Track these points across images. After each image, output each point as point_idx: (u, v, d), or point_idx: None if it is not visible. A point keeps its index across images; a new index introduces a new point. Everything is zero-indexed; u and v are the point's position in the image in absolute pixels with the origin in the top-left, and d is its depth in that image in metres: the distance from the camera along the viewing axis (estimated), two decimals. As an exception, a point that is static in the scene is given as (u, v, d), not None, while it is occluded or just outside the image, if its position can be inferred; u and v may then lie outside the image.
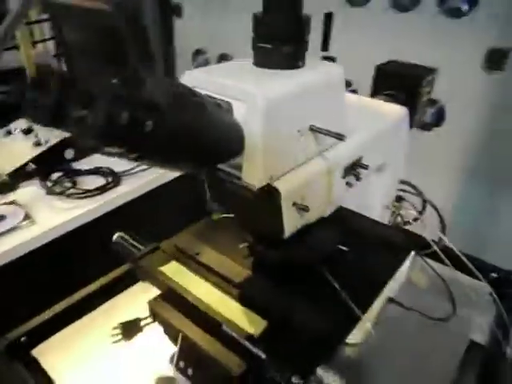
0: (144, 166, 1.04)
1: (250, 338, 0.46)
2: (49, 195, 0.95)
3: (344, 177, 0.53)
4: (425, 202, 0.78)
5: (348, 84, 1.34)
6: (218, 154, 0.38)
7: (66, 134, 1.07)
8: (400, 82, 0.75)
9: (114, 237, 0.62)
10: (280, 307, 0.49)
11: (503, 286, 0.82)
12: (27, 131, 1.10)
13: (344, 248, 0.56)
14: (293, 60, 0.42)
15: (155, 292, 0.57)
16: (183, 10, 1.64)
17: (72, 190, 0.95)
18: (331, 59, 1.33)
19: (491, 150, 1.10)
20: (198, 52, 1.69)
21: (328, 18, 1.14)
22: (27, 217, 0.87)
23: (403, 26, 1.12)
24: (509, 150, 1.07)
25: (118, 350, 0.63)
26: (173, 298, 0.54)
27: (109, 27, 0.91)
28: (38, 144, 1.06)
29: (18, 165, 0.99)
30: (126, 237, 0.62)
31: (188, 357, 0.55)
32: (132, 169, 1.03)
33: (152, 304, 0.56)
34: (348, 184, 0.56)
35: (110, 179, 1.00)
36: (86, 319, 0.72)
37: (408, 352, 0.61)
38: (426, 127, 1.21)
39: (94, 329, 0.70)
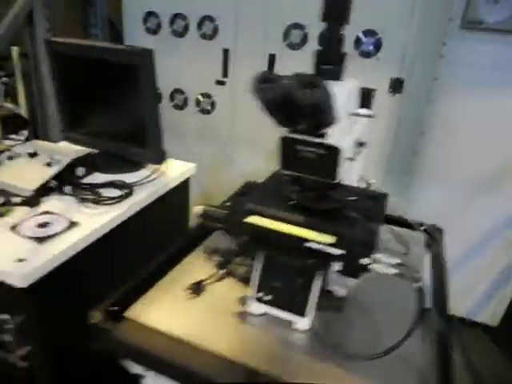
0: (150, 178, 1.23)
1: (328, 244, 0.73)
2: (77, 203, 1.09)
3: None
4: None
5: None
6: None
7: (78, 155, 1.21)
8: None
9: (196, 210, 0.83)
10: (332, 228, 0.76)
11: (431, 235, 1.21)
12: (33, 154, 1.21)
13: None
14: (342, 74, 0.73)
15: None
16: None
17: (99, 198, 1.10)
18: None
19: (396, 148, 1.56)
20: (149, 14, 1.77)
21: (271, 57, 1.56)
22: (72, 222, 1.00)
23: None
24: (403, 146, 1.53)
25: (191, 304, 0.84)
26: (261, 237, 0.78)
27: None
28: (48, 164, 1.17)
29: (41, 182, 1.10)
30: (207, 207, 0.84)
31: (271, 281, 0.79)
32: (140, 180, 1.22)
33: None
34: (350, 159, 0.88)
35: (125, 189, 1.16)
36: (160, 284, 0.89)
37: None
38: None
39: (168, 292, 0.88)
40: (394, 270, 0.72)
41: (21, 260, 0.86)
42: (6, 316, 0.94)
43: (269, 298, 0.82)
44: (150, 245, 1.29)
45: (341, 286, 0.87)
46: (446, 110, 1.47)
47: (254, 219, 0.80)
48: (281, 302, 0.81)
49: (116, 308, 0.82)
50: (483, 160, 1.52)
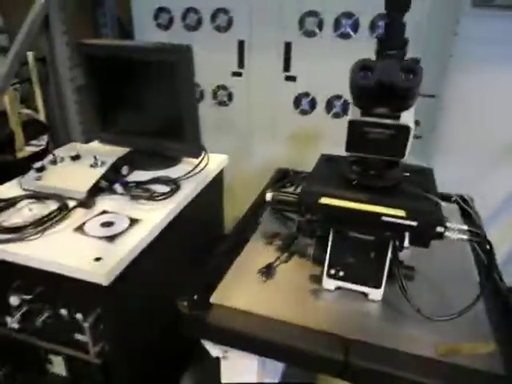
0: (195, 171, 1.26)
1: (401, 217, 0.78)
2: (130, 201, 1.11)
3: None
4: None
5: (307, 94, 1.75)
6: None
7: (121, 155, 1.23)
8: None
9: (269, 196, 0.88)
10: (400, 203, 0.81)
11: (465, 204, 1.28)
12: (75, 157, 1.22)
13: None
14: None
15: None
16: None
17: (153, 194, 1.13)
18: (293, 78, 1.73)
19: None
20: (160, 10, 1.78)
21: (288, 46, 1.60)
22: (132, 219, 1.03)
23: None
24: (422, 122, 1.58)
25: (267, 286, 0.88)
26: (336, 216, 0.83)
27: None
28: (92, 165, 1.19)
29: (92, 183, 1.12)
30: (276, 193, 0.88)
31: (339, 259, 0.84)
32: (185, 175, 1.25)
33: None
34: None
35: (172, 184, 1.19)
36: (232, 271, 0.94)
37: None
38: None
39: (242, 278, 0.92)
40: (465, 236, 0.78)
41: (97, 259, 0.89)
42: (79, 315, 0.97)
43: (342, 273, 0.87)
44: (195, 234, 1.34)
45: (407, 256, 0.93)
46: (461, 85, 1.54)
47: (327, 200, 0.85)
48: (354, 276, 0.87)
49: (201, 296, 0.86)
50: (498, 134, 1.60)
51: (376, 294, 0.86)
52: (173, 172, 1.28)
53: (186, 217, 1.18)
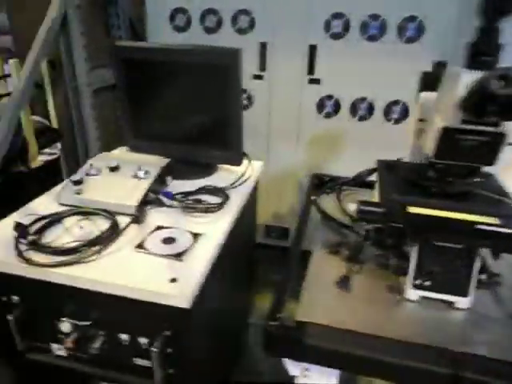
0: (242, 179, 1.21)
1: (496, 225, 0.77)
2: (182, 214, 1.05)
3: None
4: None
5: (330, 97, 1.73)
6: None
7: (163, 165, 1.16)
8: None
9: (351, 207, 0.84)
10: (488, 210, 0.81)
11: None
12: (115, 168, 1.14)
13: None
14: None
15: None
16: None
17: (207, 206, 1.07)
18: (317, 80, 1.70)
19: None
20: (176, 11, 1.70)
21: (312, 48, 1.58)
22: (193, 233, 0.97)
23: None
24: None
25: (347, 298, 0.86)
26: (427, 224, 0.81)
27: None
28: (135, 177, 1.12)
29: (141, 195, 1.05)
30: (360, 204, 0.85)
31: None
32: (233, 183, 1.20)
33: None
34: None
35: (220, 194, 1.14)
36: (306, 285, 0.90)
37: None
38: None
39: (320, 291, 0.89)
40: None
41: (173, 280, 0.83)
42: (143, 339, 0.91)
43: (428, 283, 0.85)
44: (241, 246, 1.29)
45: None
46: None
47: (416, 209, 0.83)
48: (441, 285, 0.85)
49: (285, 314, 0.82)
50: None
51: (464, 302, 0.84)
52: (213, 181, 1.22)
53: (237, 228, 1.13)
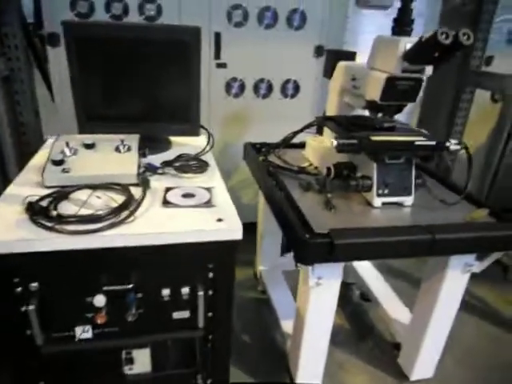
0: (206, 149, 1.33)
1: (425, 141, 1.16)
2: (175, 177, 1.14)
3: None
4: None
5: (235, 79, 1.95)
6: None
7: (137, 139, 1.20)
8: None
9: (335, 143, 1.11)
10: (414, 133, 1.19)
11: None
12: (91, 145, 1.13)
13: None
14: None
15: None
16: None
17: (198, 166, 1.19)
18: (223, 64, 1.90)
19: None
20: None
21: (218, 36, 1.89)
22: (206, 188, 1.08)
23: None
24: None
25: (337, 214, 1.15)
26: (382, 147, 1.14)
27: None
28: (117, 151, 1.14)
29: (135, 165, 1.09)
30: (339, 139, 1.13)
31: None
32: (200, 153, 1.31)
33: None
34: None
35: (200, 161, 1.25)
36: (304, 208, 1.14)
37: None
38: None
39: (315, 213, 1.13)
40: (459, 147, 1.21)
41: (219, 220, 0.94)
42: (186, 288, 0.98)
43: (386, 191, 1.19)
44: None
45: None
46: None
47: (376, 138, 1.15)
48: (393, 191, 1.20)
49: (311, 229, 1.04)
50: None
51: (409, 200, 1.21)
52: (173, 154, 1.30)
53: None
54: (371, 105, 1.23)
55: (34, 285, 0.89)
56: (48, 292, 0.91)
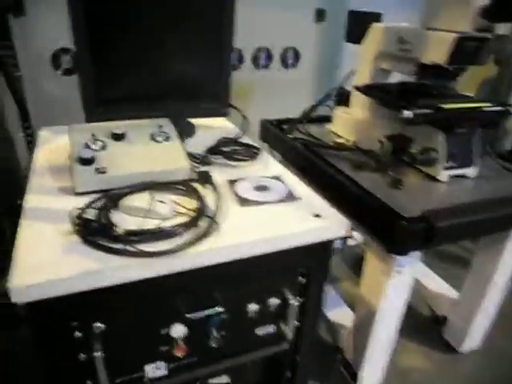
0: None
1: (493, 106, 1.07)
2: (227, 167, 0.95)
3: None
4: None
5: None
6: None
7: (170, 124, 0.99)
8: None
9: (408, 114, 0.98)
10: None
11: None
12: (120, 136, 0.89)
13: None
14: None
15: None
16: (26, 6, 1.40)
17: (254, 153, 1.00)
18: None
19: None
20: (62, 51, 1.51)
21: None
22: (274, 176, 0.90)
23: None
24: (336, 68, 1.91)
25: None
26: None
27: None
28: (154, 141, 0.91)
29: (184, 158, 0.88)
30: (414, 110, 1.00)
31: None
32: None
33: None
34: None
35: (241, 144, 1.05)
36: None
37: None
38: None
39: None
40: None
41: (317, 215, 0.78)
42: (275, 299, 0.82)
43: (453, 164, 1.09)
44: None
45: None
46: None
47: (446, 106, 1.04)
48: (459, 163, 1.10)
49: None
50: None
51: (473, 171, 1.13)
52: (201, 139, 1.10)
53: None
54: (426, 69, 1.11)
55: (98, 325, 0.68)
56: (114, 331, 0.70)
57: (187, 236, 0.68)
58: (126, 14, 0.95)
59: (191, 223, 0.70)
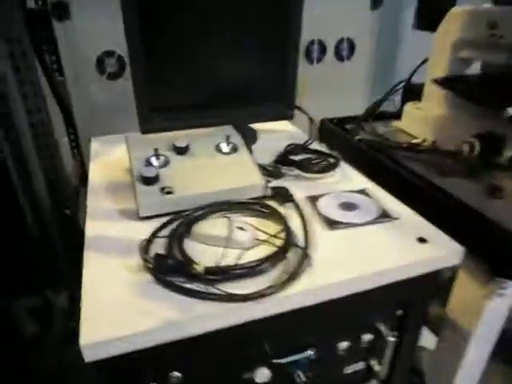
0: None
1: None
2: (301, 180, 0.83)
3: None
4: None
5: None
6: None
7: (236, 133, 0.88)
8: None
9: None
10: None
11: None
12: (184, 150, 0.79)
13: None
14: None
15: None
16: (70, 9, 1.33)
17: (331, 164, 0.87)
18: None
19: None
20: (106, 54, 1.44)
21: None
22: (359, 190, 0.78)
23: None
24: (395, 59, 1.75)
25: None
26: None
27: None
28: (221, 153, 0.81)
29: (259, 171, 0.77)
30: None
31: None
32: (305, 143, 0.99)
33: None
34: None
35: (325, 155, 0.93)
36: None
37: None
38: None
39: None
40: None
41: (422, 240, 0.65)
42: (368, 335, 0.70)
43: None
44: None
45: None
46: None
47: None
48: None
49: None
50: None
51: None
52: (269, 146, 0.99)
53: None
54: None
55: (176, 375, 0.59)
56: (193, 380, 0.60)
57: (275, 272, 0.58)
58: (181, 15, 0.85)
59: (278, 256, 0.59)
